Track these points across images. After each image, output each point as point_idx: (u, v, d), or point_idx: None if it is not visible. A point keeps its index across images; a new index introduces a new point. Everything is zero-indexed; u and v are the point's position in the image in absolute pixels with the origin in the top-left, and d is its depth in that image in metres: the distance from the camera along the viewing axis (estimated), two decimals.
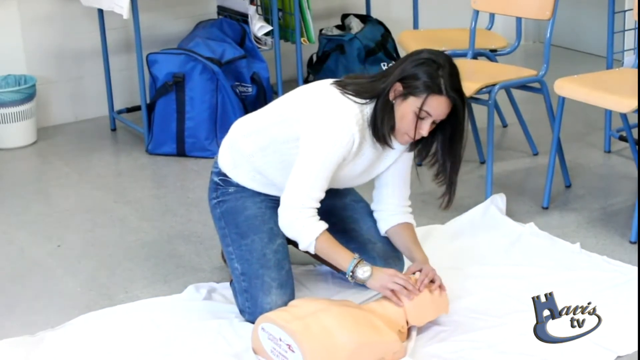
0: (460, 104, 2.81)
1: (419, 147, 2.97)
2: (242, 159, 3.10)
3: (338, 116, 2.85)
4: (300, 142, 2.90)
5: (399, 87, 2.83)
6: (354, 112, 2.86)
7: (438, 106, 2.79)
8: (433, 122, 2.83)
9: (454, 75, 2.81)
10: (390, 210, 3.10)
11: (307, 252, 2.99)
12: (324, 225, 2.91)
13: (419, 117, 2.81)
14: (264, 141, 3.03)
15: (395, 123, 2.86)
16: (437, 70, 2.79)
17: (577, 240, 3.58)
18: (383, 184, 3.11)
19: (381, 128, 2.87)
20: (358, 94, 2.89)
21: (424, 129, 2.83)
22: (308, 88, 3.03)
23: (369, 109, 2.89)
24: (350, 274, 2.91)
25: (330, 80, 2.98)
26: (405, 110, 2.82)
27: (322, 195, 2.90)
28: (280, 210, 2.93)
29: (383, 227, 3.14)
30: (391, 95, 2.84)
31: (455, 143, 2.89)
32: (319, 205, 2.91)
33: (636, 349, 2.87)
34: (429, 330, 2.99)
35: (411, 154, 3.05)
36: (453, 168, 2.94)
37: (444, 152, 2.91)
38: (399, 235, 3.11)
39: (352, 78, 2.98)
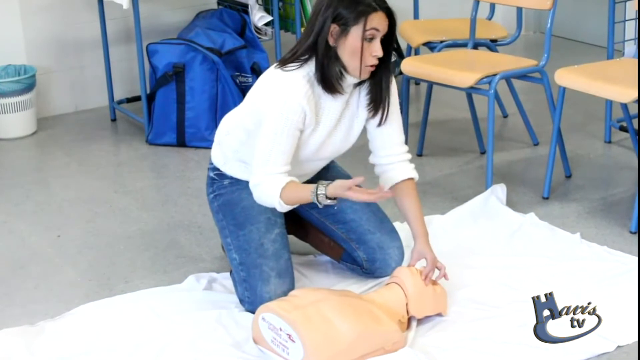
0: (393, 13, 2.91)
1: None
2: (230, 154, 3.14)
3: (283, 94, 2.88)
4: None
5: (335, 28, 2.86)
6: (298, 83, 2.89)
7: (380, 21, 2.86)
8: (380, 41, 2.89)
9: None
10: (389, 159, 3.09)
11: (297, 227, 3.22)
12: (284, 179, 2.89)
13: (367, 41, 2.86)
14: (242, 135, 3.07)
15: (347, 62, 2.89)
16: None
17: (577, 230, 3.58)
18: (373, 127, 3.09)
19: (329, 76, 2.90)
20: (297, 58, 2.92)
21: (377, 50, 2.87)
22: (261, 78, 3.05)
23: (312, 68, 2.92)
24: (316, 198, 2.85)
25: (275, 64, 3.02)
26: (353, 43, 2.86)
27: (283, 169, 2.90)
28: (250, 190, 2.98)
29: (386, 183, 3.11)
30: (331, 41, 2.87)
31: (390, 55, 2.97)
32: (283, 175, 2.91)
33: (636, 339, 2.87)
34: (429, 321, 2.99)
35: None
36: (388, 78, 3.00)
37: (382, 71, 2.97)
38: (401, 201, 3.09)
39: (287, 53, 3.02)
